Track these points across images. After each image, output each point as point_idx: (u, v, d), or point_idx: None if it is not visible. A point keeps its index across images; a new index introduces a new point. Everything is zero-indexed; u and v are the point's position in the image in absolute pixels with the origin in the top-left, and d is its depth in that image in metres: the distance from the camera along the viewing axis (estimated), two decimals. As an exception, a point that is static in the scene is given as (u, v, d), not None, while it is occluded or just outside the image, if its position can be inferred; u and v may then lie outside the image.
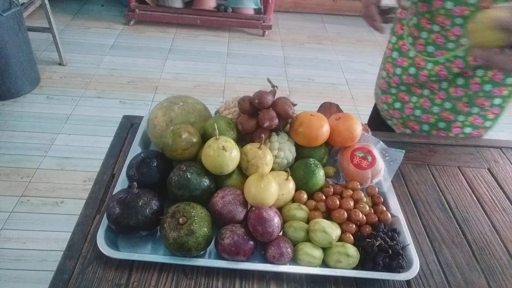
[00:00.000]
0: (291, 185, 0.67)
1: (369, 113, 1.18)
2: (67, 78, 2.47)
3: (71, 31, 2.97)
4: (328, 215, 0.67)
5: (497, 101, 0.88)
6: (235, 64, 2.80)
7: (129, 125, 0.87)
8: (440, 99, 0.92)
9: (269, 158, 0.67)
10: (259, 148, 0.67)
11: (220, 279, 0.60)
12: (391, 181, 0.76)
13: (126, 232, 0.62)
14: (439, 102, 0.93)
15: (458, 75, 0.88)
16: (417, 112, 0.97)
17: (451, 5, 0.80)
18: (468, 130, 0.95)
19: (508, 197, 0.81)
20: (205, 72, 2.65)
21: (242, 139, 0.74)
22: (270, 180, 0.62)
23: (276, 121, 0.69)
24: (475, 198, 0.80)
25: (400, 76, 0.97)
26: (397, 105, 1.01)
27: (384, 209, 0.69)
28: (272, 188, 0.62)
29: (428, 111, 0.96)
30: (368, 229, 0.65)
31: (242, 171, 0.69)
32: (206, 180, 0.65)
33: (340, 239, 0.64)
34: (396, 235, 0.65)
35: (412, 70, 0.94)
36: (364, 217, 0.66)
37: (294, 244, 0.63)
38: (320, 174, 0.70)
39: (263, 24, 3.15)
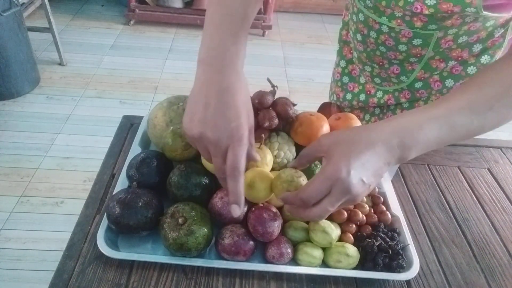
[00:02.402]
0: (291, 185, 0.67)
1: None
2: (67, 78, 2.47)
3: (71, 31, 2.98)
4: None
5: None
6: (235, 64, 2.79)
7: (129, 125, 0.87)
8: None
9: (269, 158, 0.67)
10: (259, 148, 0.67)
11: (220, 279, 0.60)
12: (391, 181, 0.76)
13: (126, 232, 0.62)
14: None
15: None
16: None
17: (384, 49, 0.80)
18: None
19: (508, 197, 0.81)
20: (205, 72, 2.65)
21: (242, 139, 0.74)
22: (259, 185, 0.60)
23: (276, 121, 0.69)
24: (475, 198, 0.80)
25: (351, 101, 0.96)
26: None
27: (384, 209, 0.69)
28: (263, 191, 0.60)
29: None
30: (368, 229, 0.65)
31: (242, 171, 0.68)
32: (206, 180, 0.65)
33: (340, 239, 0.64)
34: (396, 235, 0.65)
35: (362, 97, 0.93)
36: (364, 217, 0.66)
37: (294, 244, 0.63)
38: (320, 174, 0.70)
39: (263, 24, 3.15)
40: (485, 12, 0.64)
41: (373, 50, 0.82)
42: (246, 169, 0.66)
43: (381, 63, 0.84)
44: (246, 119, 0.51)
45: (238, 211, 0.52)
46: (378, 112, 0.94)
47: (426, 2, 0.66)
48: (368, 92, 0.92)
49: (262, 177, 0.61)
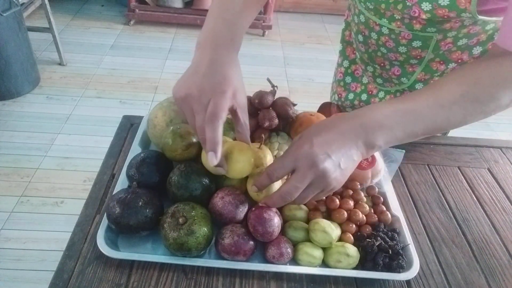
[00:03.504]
0: (291, 185, 0.67)
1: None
2: (67, 78, 2.47)
3: (71, 31, 2.98)
4: (328, 215, 0.67)
5: None
6: (235, 64, 2.79)
7: (129, 125, 0.87)
8: None
9: (269, 158, 0.67)
10: (259, 148, 0.67)
11: (220, 279, 0.60)
12: (391, 181, 0.76)
13: (126, 232, 0.62)
14: None
15: None
16: None
17: (384, 51, 0.80)
18: None
19: (508, 197, 0.81)
20: (205, 72, 2.65)
21: (242, 139, 0.74)
22: (236, 155, 0.59)
23: (276, 121, 0.69)
24: (475, 198, 0.80)
25: (352, 101, 0.97)
26: None
27: (384, 209, 0.69)
28: (244, 160, 0.59)
29: None
30: (368, 229, 0.65)
31: (242, 171, 0.68)
32: (206, 180, 0.65)
33: (340, 239, 0.64)
34: (396, 235, 0.65)
35: (364, 97, 0.94)
36: (364, 217, 0.66)
37: (294, 244, 0.63)
38: (320, 174, 0.70)
39: (263, 24, 3.15)
40: (480, 17, 0.64)
41: (375, 51, 0.82)
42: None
43: (382, 64, 0.84)
44: (231, 85, 0.53)
45: (214, 160, 0.51)
46: None
47: (423, 7, 0.66)
48: (370, 92, 0.93)
49: (241, 149, 0.59)
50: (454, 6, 0.63)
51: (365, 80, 0.93)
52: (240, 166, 0.59)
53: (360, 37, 0.83)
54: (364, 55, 0.87)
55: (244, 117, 0.56)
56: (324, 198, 0.68)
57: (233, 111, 0.55)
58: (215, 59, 0.54)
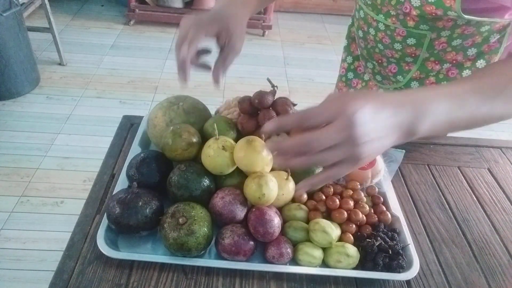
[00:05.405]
0: (291, 185, 0.67)
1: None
2: (67, 78, 2.47)
3: (71, 31, 2.97)
4: (328, 215, 0.67)
5: None
6: (235, 64, 2.76)
7: (129, 125, 0.87)
8: None
9: (269, 158, 0.67)
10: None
11: (220, 279, 0.60)
12: (391, 181, 0.76)
13: (126, 232, 0.62)
14: None
15: None
16: None
17: (381, 47, 0.82)
18: None
19: (508, 197, 0.81)
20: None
21: (242, 139, 0.74)
22: (258, 144, 0.62)
23: (276, 121, 0.69)
24: (475, 198, 0.80)
25: None
26: None
27: (384, 209, 0.69)
28: (261, 152, 0.62)
29: None
30: (368, 229, 0.65)
31: (242, 171, 0.68)
32: (206, 180, 0.65)
33: (340, 239, 0.64)
34: (396, 235, 0.65)
35: None
36: (364, 217, 0.66)
37: (294, 244, 0.63)
38: (320, 174, 0.70)
39: (263, 24, 3.15)
40: (466, 16, 0.65)
41: (373, 47, 0.83)
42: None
43: (380, 61, 0.85)
44: (222, 26, 0.62)
45: (182, 78, 0.60)
46: None
47: (413, 3, 0.68)
48: (371, 89, 0.94)
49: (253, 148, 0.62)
50: (440, 3, 0.65)
51: (366, 77, 0.95)
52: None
53: (360, 33, 0.85)
54: (363, 51, 0.88)
55: (229, 60, 0.66)
56: (324, 198, 0.68)
57: (224, 54, 0.65)
58: (222, 8, 0.65)
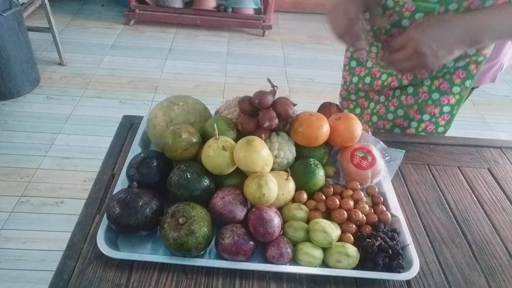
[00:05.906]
0: (291, 185, 0.67)
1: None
2: (67, 78, 2.47)
3: (71, 31, 2.97)
4: (328, 215, 0.67)
5: (446, 108, 0.90)
6: (235, 64, 2.80)
7: (129, 125, 0.87)
8: (394, 106, 0.96)
9: (269, 158, 0.67)
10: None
11: (220, 279, 0.60)
12: (391, 181, 0.76)
13: (126, 232, 0.62)
14: (393, 109, 0.96)
15: (408, 85, 0.91)
16: (374, 119, 1.01)
17: (388, 27, 0.82)
18: (422, 135, 0.97)
19: (508, 197, 0.81)
20: (205, 72, 2.65)
21: (242, 139, 0.74)
22: (258, 144, 0.63)
23: (276, 121, 0.69)
24: (475, 198, 0.80)
25: (357, 85, 0.99)
26: (357, 111, 1.04)
27: (384, 209, 0.69)
28: (261, 152, 0.63)
29: (384, 118, 0.99)
30: (368, 229, 0.65)
31: (242, 171, 0.68)
32: (206, 180, 0.65)
33: (340, 239, 0.64)
34: (396, 235, 0.65)
35: (367, 80, 0.97)
36: (364, 217, 0.66)
37: (294, 244, 0.63)
38: (320, 174, 0.70)
39: (263, 24, 3.15)
40: None
41: (379, 28, 0.84)
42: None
43: (386, 42, 0.86)
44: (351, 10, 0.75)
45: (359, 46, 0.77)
46: (384, 100, 0.97)
47: None
48: (373, 75, 0.95)
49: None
50: None
51: (369, 64, 0.96)
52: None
53: (367, 14, 0.85)
54: (369, 34, 0.89)
55: (356, 28, 0.77)
56: (324, 198, 0.68)
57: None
58: (339, 2, 0.77)
